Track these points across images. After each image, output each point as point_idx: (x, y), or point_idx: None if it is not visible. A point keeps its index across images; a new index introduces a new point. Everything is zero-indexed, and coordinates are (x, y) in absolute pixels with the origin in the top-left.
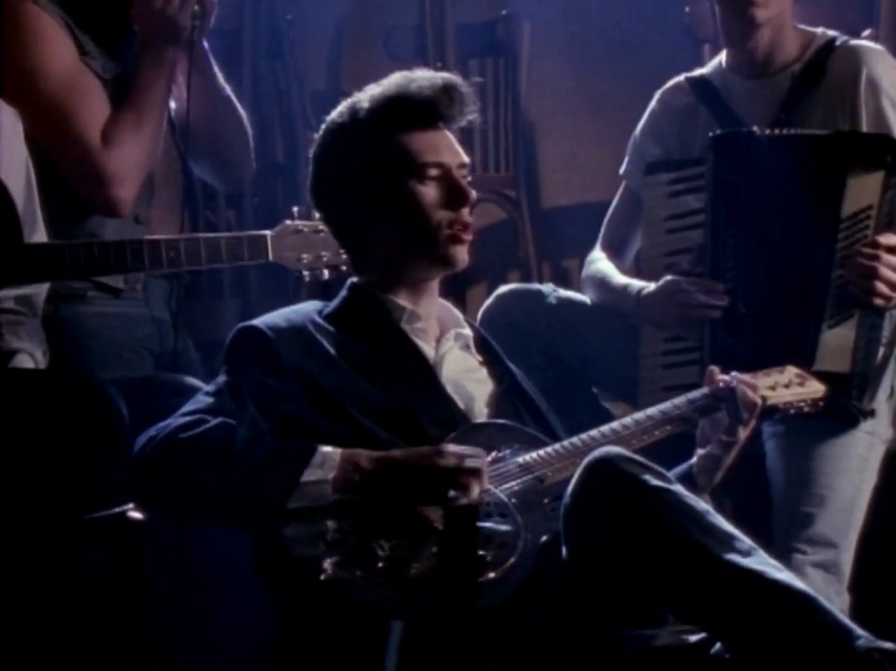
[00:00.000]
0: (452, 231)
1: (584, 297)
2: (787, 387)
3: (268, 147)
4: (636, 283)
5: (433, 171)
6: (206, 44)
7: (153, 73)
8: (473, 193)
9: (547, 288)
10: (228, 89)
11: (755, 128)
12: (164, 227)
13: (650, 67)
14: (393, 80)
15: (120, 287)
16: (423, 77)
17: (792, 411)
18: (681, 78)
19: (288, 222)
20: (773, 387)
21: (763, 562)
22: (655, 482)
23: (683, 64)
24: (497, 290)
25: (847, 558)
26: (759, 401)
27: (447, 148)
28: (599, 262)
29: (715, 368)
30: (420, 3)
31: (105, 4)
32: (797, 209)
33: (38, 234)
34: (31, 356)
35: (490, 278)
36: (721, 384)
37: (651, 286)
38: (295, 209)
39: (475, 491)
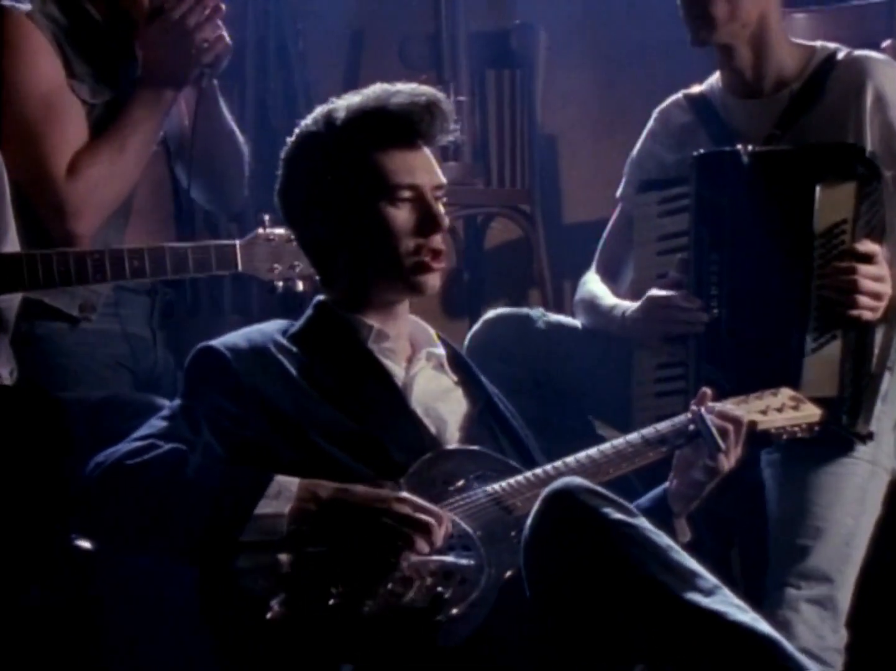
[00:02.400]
0: (420, 258)
1: (575, 322)
2: (780, 410)
3: (275, 159)
4: (623, 304)
5: (406, 193)
6: (215, 82)
7: (146, 113)
8: (446, 220)
9: (536, 312)
10: (232, 122)
11: (739, 146)
12: None
13: (668, 79)
14: (373, 92)
15: (74, 314)
16: (404, 91)
17: (785, 436)
18: (679, 95)
19: (259, 231)
20: (764, 412)
21: (726, 603)
22: (616, 515)
23: (701, 75)
24: (484, 315)
25: (845, 593)
26: (730, 428)
27: (423, 168)
28: (590, 283)
29: (707, 391)
30: (435, 11)
31: (106, 25)
32: (776, 230)
33: (9, 241)
34: None
35: (510, 296)
36: (690, 413)
37: (634, 306)
38: (266, 217)
39: (422, 548)
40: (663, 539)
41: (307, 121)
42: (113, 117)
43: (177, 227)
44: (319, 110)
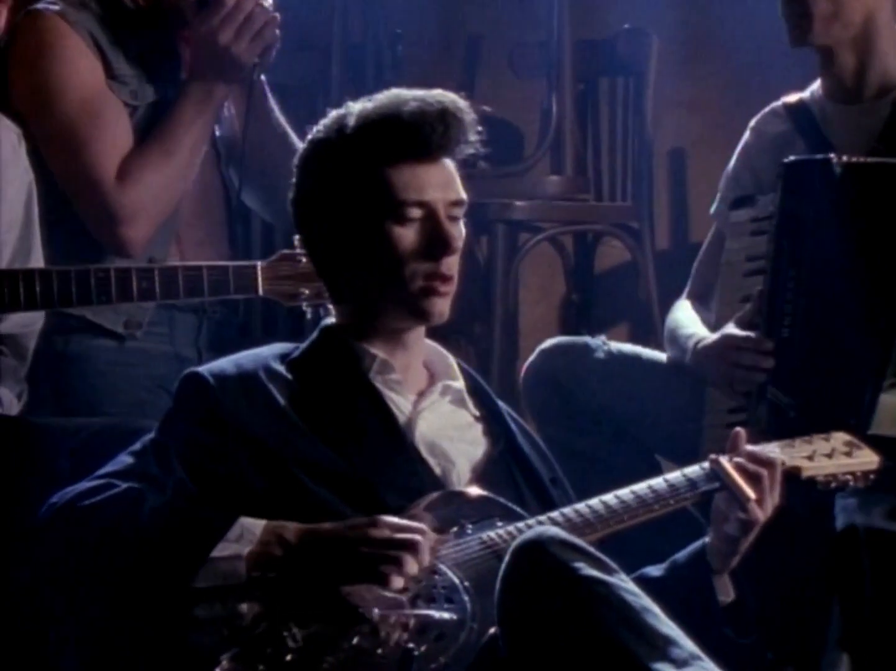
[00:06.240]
0: (427, 283)
1: (640, 349)
2: (830, 456)
3: None
4: (699, 334)
5: (415, 212)
6: (263, 77)
7: (197, 110)
8: (459, 242)
9: (595, 341)
10: (284, 122)
11: (832, 155)
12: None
13: (798, 85)
14: (386, 98)
15: (119, 332)
16: (418, 99)
17: (834, 485)
18: (778, 103)
19: (285, 251)
20: (810, 457)
21: None
22: (588, 571)
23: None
24: (541, 345)
25: None
26: (763, 473)
27: (436, 184)
28: (678, 311)
29: (741, 432)
30: (548, 17)
31: (148, 23)
32: (863, 250)
33: (34, 260)
34: None
35: (630, 321)
36: (710, 463)
37: (710, 337)
38: (296, 237)
39: (412, 568)
40: (640, 600)
41: (319, 126)
42: (157, 119)
43: (229, 238)
44: (332, 115)
